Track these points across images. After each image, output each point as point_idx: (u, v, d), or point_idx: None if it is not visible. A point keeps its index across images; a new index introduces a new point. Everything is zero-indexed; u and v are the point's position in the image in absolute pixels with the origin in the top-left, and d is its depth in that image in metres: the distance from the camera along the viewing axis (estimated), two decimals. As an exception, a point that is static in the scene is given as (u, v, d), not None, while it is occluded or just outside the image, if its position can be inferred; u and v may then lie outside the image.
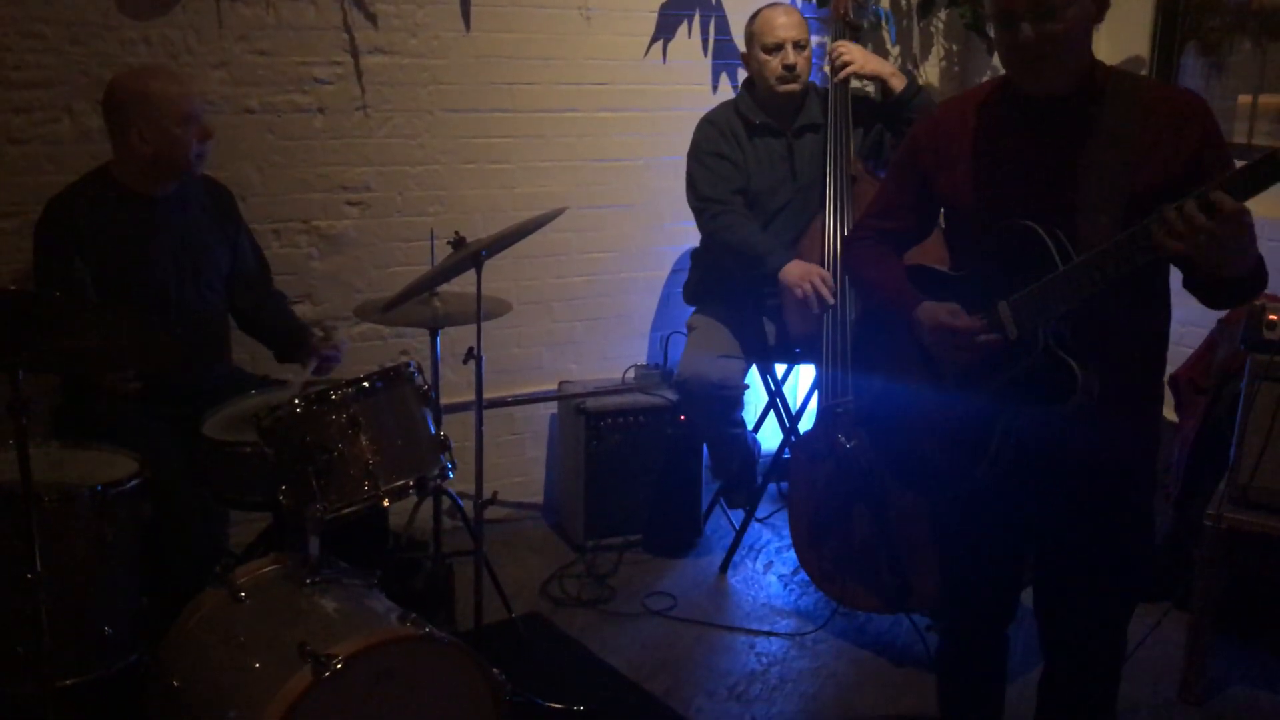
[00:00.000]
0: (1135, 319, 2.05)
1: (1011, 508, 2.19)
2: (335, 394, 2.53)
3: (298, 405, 2.50)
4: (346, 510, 2.51)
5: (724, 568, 3.73)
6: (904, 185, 2.29)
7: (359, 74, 3.55)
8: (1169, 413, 3.47)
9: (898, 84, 3.52)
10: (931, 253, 2.37)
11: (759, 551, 3.85)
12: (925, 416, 2.25)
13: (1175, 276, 2.07)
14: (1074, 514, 2.12)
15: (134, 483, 2.52)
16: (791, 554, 3.62)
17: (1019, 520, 2.20)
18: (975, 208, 2.13)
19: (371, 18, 3.53)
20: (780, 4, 3.61)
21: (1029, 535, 2.22)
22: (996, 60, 4.19)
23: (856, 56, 3.54)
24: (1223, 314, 3.18)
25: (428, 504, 3.17)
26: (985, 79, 4.32)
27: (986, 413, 2.10)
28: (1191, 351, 3.39)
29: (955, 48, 4.37)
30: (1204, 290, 2.02)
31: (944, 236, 2.33)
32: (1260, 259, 1.92)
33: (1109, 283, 1.90)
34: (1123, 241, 1.87)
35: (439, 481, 2.72)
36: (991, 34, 2.12)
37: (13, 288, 2.05)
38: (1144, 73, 4.02)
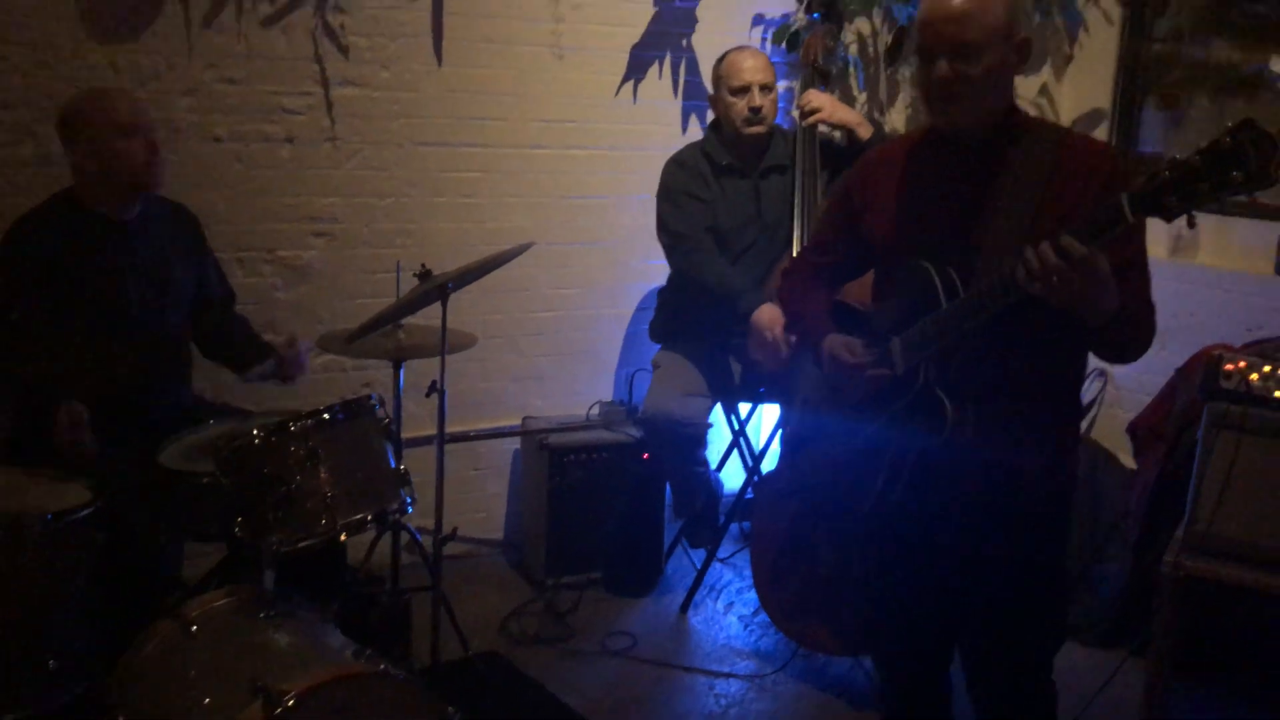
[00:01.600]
0: (1038, 363, 2.08)
1: (922, 547, 2.20)
2: (295, 425, 2.51)
3: (257, 435, 2.47)
4: (303, 543, 2.47)
5: (685, 607, 3.71)
6: (835, 223, 2.38)
7: (329, 105, 3.55)
8: (1128, 460, 3.50)
9: (864, 133, 3.57)
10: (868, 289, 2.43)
11: (720, 591, 3.84)
12: (832, 444, 2.36)
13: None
14: (978, 556, 2.14)
15: (87, 511, 2.47)
16: (753, 594, 3.61)
17: (934, 561, 2.20)
18: (893, 246, 2.19)
19: (343, 49, 3.54)
20: (748, 48, 3.66)
21: (947, 580, 2.22)
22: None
23: (825, 105, 3.58)
24: (1180, 363, 3.23)
25: (386, 538, 3.14)
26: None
27: (877, 443, 2.18)
28: (1150, 400, 3.43)
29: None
30: (1088, 338, 2.04)
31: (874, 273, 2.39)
32: (1132, 310, 1.95)
33: (985, 322, 1.96)
34: (993, 282, 1.93)
35: (398, 516, 2.70)
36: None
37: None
38: (1105, 125, 4.10)
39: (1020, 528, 2.12)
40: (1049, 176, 2.02)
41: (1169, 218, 1.75)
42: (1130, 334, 2.02)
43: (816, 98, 3.59)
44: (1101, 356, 2.12)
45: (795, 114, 3.70)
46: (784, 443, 2.97)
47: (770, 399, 3.65)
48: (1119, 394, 3.85)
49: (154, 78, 3.31)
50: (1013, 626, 2.16)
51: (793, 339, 3.30)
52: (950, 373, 2.07)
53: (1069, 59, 4.22)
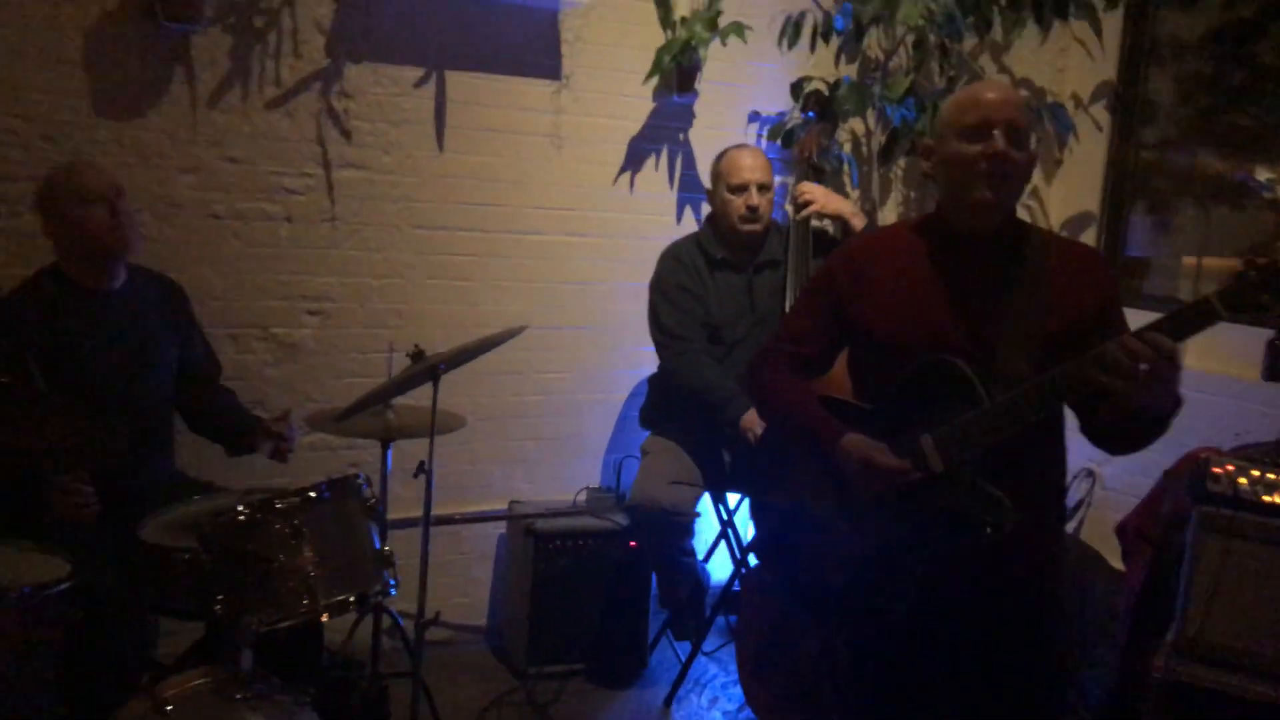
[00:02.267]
0: (1042, 458, 2.11)
1: (930, 639, 2.17)
2: (281, 503, 2.49)
3: (242, 512, 2.45)
4: (283, 623, 2.44)
5: (668, 701, 3.64)
6: (817, 312, 2.31)
7: (330, 186, 3.60)
8: (1116, 561, 3.48)
9: (858, 223, 3.62)
10: (835, 382, 2.38)
11: (705, 686, 3.78)
12: (838, 546, 2.24)
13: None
14: (988, 644, 2.12)
15: (64, 585, 2.43)
16: (738, 689, 3.55)
17: (937, 652, 2.18)
18: (892, 338, 2.17)
19: (346, 133, 3.59)
20: (747, 146, 3.73)
21: (947, 670, 2.20)
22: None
23: (819, 196, 3.64)
24: (1168, 465, 3.23)
25: (367, 621, 3.10)
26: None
27: (906, 543, 2.12)
28: (1138, 501, 3.43)
29: (913, 194, 4.50)
30: (1114, 431, 2.08)
31: (849, 366, 2.34)
32: (1180, 400, 2.00)
33: (1033, 419, 1.97)
34: (1054, 378, 1.95)
35: (380, 599, 2.67)
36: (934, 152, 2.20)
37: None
38: (1093, 229, 4.17)
39: (1033, 606, 2.13)
40: (1053, 277, 2.08)
41: (1261, 315, 1.81)
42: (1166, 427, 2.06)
43: (810, 189, 3.65)
44: (1120, 447, 2.14)
45: (789, 207, 3.76)
46: (765, 539, 2.87)
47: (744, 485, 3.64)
48: (1107, 495, 3.85)
49: (157, 154, 3.35)
50: (1024, 706, 2.15)
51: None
52: (996, 468, 2.03)
53: (1058, 163, 4.31)
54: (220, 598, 2.43)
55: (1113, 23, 4.07)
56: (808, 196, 3.64)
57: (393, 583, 2.66)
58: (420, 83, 3.68)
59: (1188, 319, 1.85)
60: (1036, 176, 4.18)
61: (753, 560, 3.63)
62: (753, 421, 3.34)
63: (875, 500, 2.15)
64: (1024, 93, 4.25)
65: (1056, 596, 2.20)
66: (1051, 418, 2.09)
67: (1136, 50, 4.07)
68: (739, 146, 3.70)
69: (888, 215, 4.48)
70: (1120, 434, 2.08)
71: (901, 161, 4.37)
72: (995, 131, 2.04)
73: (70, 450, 2.35)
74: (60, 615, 2.44)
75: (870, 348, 2.23)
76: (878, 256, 2.22)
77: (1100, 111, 4.16)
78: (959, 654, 2.15)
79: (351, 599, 2.56)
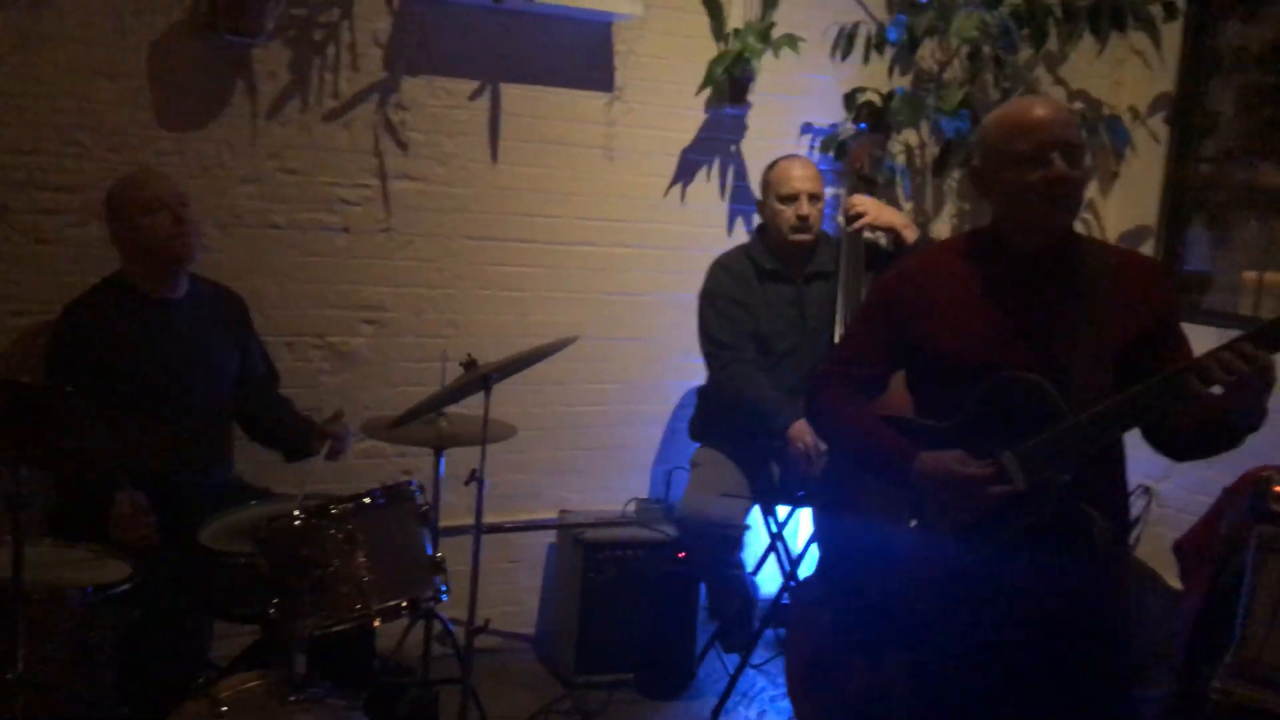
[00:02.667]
0: (1113, 469, 2.11)
1: (1004, 661, 2.14)
2: (335, 509, 2.52)
3: (297, 517, 2.49)
4: (336, 627, 2.47)
5: (716, 713, 3.63)
6: (874, 333, 2.29)
7: (386, 197, 3.64)
8: (1173, 581, 3.43)
9: (910, 235, 3.60)
10: (892, 402, 2.36)
11: (753, 699, 3.76)
12: (914, 568, 2.20)
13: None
14: (1065, 661, 2.09)
15: (124, 587, 2.49)
16: (786, 703, 3.53)
17: (1008, 675, 2.14)
18: (958, 357, 2.14)
19: (403, 145, 3.64)
20: (798, 156, 3.72)
21: (1016, 692, 2.17)
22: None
23: (871, 209, 3.62)
24: (1227, 483, 3.17)
25: (418, 628, 3.12)
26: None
27: (990, 564, 2.07)
28: (1195, 519, 3.37)
29: (967, 206, 4.47)
30: (1187, 439, 2.07)
31: (909, 385, 2.32)
32: (1265, 413, 1.98)
33: (1125, 431, 1.97)
34: (1147, 391, 1.92)
35: (432, 605, 2.69)
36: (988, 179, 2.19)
37: (24, 380, 2.06)
38: (1151, 242, 4.11)
39: (1111, 622, 2.12)
40: (1115, 288, 2.06)
41: None
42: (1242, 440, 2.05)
43: (862, 201, 3.64)
44: (1187, 455, 2.13)
45: (841, 219, 3.74)
46: (832, 561, 2.83)
47: (809, 503, 3.62)
48: (1164, 512, 3.79)
49: (217, 165, 3.42)
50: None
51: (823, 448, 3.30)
52: (1078, 484, 2.01)
53: (1115, 176, 4.25)
54: (275, 601, 2.47)
55: (1172, 33, 4.02)
56: (860, 208, 3.62)
57: (444, 589, 2.68)
58: (475, 95, 3.72)
59: (1270, 330, 1.86)
60: (1093, 190, 4.13)
61: (803, 574, 3.61)
62: (801, 432, 3.32)
63: (955, 521, 2.11)
64: (1079, 105, 4.21)
65: (1124, 617, 2.18)
66: (1117, 441, 2.08)
67: (1196, 61, 4.01)
68: (789, 156, 3.69)
69: (941, 227, 4.45)
70: (1194, 442, 2.07)
71: (955, 173, 4.34)
72: (1053, 155, 2.02)
73: (134, 457, 2.40)
74: (120, 616, 2.49)
75: (937, 367, 2.20)
76: (936, 275, 2.20)
77: (1158, 124, 4.11)
78: (1028, 675, 2.12)
79: (403, 604, 2.59)
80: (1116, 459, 2.15)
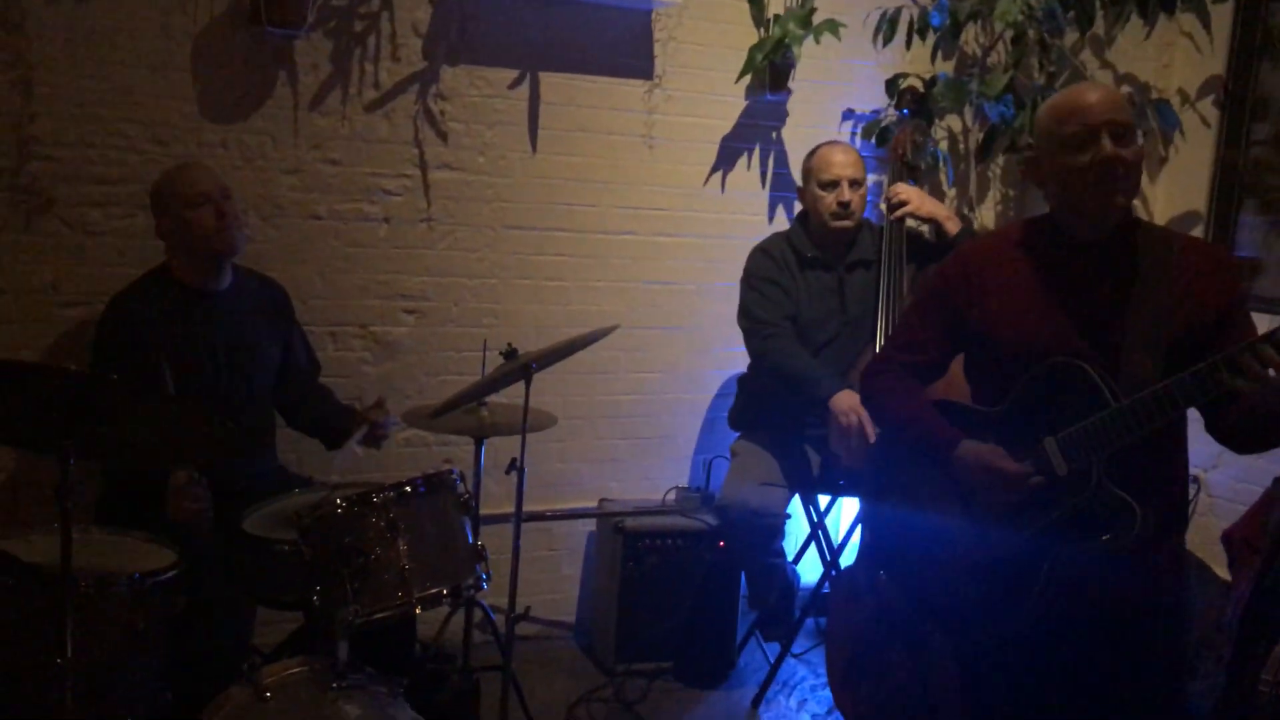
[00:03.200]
0: (1166, 458, 2.07)
1: (1049, 650, 2.13)
2: (377, 497, 2.54)
3: (339, 505, 2.51)
4: (379, 615, 2.49)
5: (756, 703, 3.63)
6: (930, 320, 2.31)
7: (426, 187, 3.66)
8: (1222, 571, 3.37)
9: (952, 227, 3.56)
10: (953, 387, 2.36)
11: (793, 688, 3.75)
12: (961, 554, 2.21)
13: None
14: (1113, 652, 2.08)
15: (170, 574, 2.52)
16: (827, 692, 3.52)
17: (1054, 664, 2.14)
18: (1014, 343, 2.15)
19: (443, 135, 3.65)
20: (839, 142, 3.69)
21: (1063, 682, 2.15)
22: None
23: (913, 198, 3.59)
24: (1278, 472, 3.12)
25: (459, 615, 3.14)
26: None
27: (1032, 550, 2.08)
28: (1246, 509, 3.31)
29: (1011, 192, 4.42)
30: (1244, 430, 2.03)
31: (966, 371, 2.32)
32: None
33: (1162, 421, 1.93)
34: (1184, 381, 1.90)
35: (473, 592, 2.70)
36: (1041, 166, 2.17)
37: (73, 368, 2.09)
38: (1200, 227, 4.04)
39: (1159, 615, 2.09)
40: (1173, 276, 2.03)
41: None
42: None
43: (905, 191, 3.60)
44: (1246, 447, 2.10)
45: (883, 206, 3.71)
46: (872, 547, 2.87)
47: (849, 492, 3.60)
48: (1213, 502, 3.73)
49: (260, 156, 3.44)
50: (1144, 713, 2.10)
51: (875, 428, 3.27)
52: (1121, 472, 2.01)
53: (1164, 161, 4.18)
54: (318, 589, 2.49)
55: (1222, 15, 3.93)
56: (902, 197, 3.59)
57: (485, 577, 2.70)
58: (514, 84, 3.72)
59: None
60: (1141, 175, 4.07)
61: (844, 564, 3.60)
62: (843, 402, 3.29)
63: (998, 507, 2.13)
64: (1126, 89, 4.14)
65: (1179, 608, 2.15)
66: (1174, 423, 2.03)
67: (1247, 43, 3.93)
68: (831, 142, 3.66)
69: (985, 214, 4.40)
70: (1250, 433, 2.03)
71: (999, 159, 4.29)
72: (1101, 136, 2.01)
73: (184, 446, 2.42)
74: (166, 602, 2.52)
75: (991, 353, 2.21)
76: (993, 262, 2.20)
77: (1208, 107, 4.03)
78: (1075, 665, 2.10)
79: (445, 592, 2.60)
80: (1170, 449, 2.11)
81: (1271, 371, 1.81)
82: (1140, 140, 2.11)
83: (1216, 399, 1.91)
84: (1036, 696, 2.19)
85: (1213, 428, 2.08)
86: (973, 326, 2.21)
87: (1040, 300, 2.12)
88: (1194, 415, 2.07)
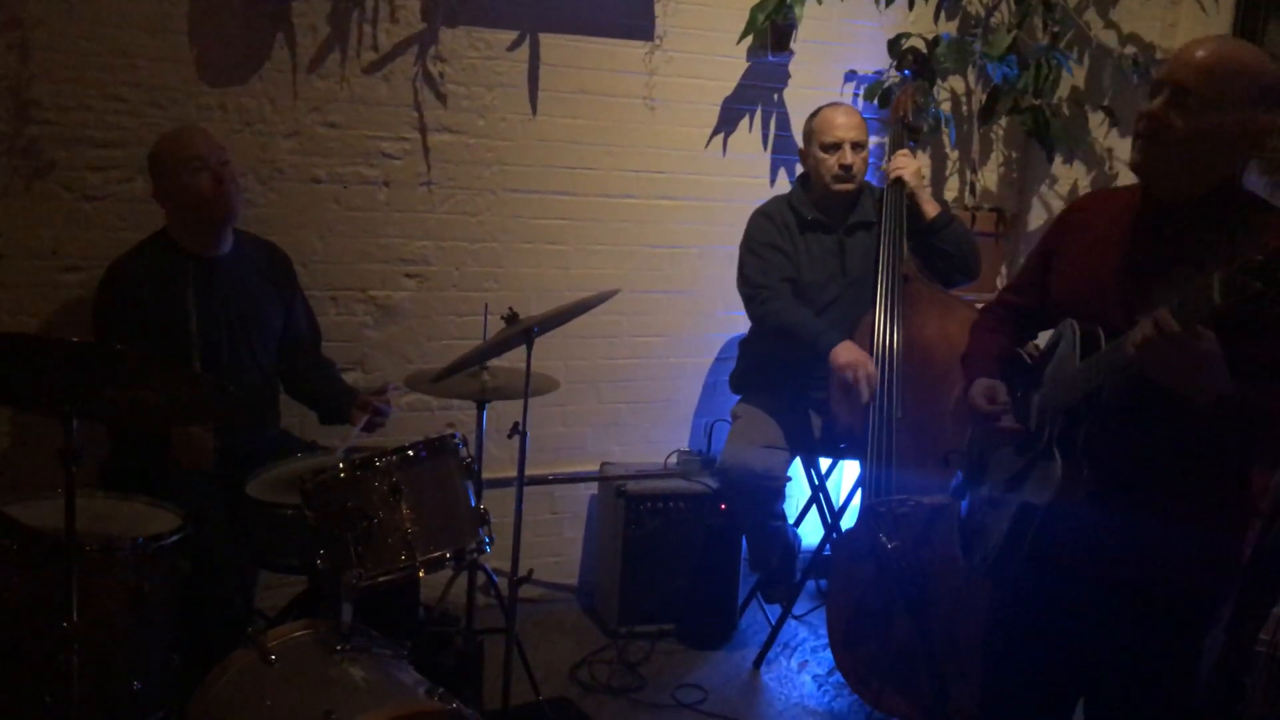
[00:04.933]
0: (1195, 444, 1.95)
1: (1048, 613, 2.14)
2: (379, 461, 2.55)
3: (342, 470, 2.51)
4: (383, 578, 2.50)
5: (758, 663, 3.66)
6: (1032, 263, 2.33)
7: (426, 151, 3.64)
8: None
9: (929, 209, 3.56)
10: None
11: (794, 649, 3.78)
12: (977, 500, 2.35)
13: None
14: (1107, 624, 2.07)
15: (175, 538, 2.54)
16: (828, 653, 3.55)
17: (1062, 629, 2.14)
18: (1063, 301, 2.16)
19: (442, 98, 3.62)
20: (841, 104, 3.66)
21: (1076, 651, 2.16)
22: (1055, 168, 4.23)
23: (909, 175, 3.57)
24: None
25: (462, 579, 3.16)
26: (1043, 186, 4.34)
27: (1000, 500, 2.17)
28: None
29: (1014, 154, 4.39)
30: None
31: None
32: (1245, 397, 1.80)
33: (1111, 385, 1.91)
34: (1110, 348, 1.90)
35: (476, 555, 2.71)
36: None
37: (74, 339, 2.08)
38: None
39: (1157, 591, 2.02)
40: (1244, 251, 1.93)
41: (1257, 302, 1.60)
42: (1259, 432, 1.86)
43: (903, 163, 3.58)
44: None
45: (886, 168, 3.69)
46: (873, 505, 2.98)
47: (850, 455, 3.61)
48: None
49: (259, 119, 3.42)
50: (1141, 690, 2.08)
51: (876, 378, 3.27)
52: (1079, 435, 1.98)
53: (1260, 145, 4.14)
54: (322, 553, 2.50)
55: (1229, -27, 3.89)
56: (899, 162, 3.59)
57: (488, 540, 2.71)
58: (514, 46, 3.69)
59: (1189, 300, 1.71)
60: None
61: (844, 525, 3.61)
62: (841, 356, 3.30)
63: (993, 453, 2.24)
64: (1131, 49, 4.10)
65: (1205, 589, 2.06)
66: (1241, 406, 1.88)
67: (1253, 2, 3.89)
68: (833, 104, 3.64)
69: (987, 177, 4.38)
70: (1216, 427, 1.91)
71: (1003, 121, 4.26)
72: (1158, 95, 1.93)
73: (185, 411, 2.43)
74: (171, 566, 2.54)
75: (1056, 305, 2.20)
76: (1090, 218, 2.19)
77: (1213, 67, 3.99)
78: (1086, 637, 2.11)
79: (448, 555, 2.60)
80: (1220, 424, 1.93)
81: (1149, 350, 1.74)
82: (1250, 125, 1.90)
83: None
84: (1043, 661, 2.19)
85: None
86: (1050, 277, 2.22)
87: (1104, 260, 2.08)
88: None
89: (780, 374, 3.61)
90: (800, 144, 3.72)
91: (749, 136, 4.09)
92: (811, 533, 4.01)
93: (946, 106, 4.20)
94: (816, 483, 3.75)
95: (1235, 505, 2.05)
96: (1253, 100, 1.89)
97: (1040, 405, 2.10)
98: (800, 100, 4.03)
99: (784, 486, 3.55)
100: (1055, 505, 2.00)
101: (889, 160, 3.67)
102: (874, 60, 4.13)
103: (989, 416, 2.16)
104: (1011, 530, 2.12)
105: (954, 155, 4.31)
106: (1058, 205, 4.23)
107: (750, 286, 3.56)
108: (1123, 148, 3.93)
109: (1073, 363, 2.00)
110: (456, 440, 2.72)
